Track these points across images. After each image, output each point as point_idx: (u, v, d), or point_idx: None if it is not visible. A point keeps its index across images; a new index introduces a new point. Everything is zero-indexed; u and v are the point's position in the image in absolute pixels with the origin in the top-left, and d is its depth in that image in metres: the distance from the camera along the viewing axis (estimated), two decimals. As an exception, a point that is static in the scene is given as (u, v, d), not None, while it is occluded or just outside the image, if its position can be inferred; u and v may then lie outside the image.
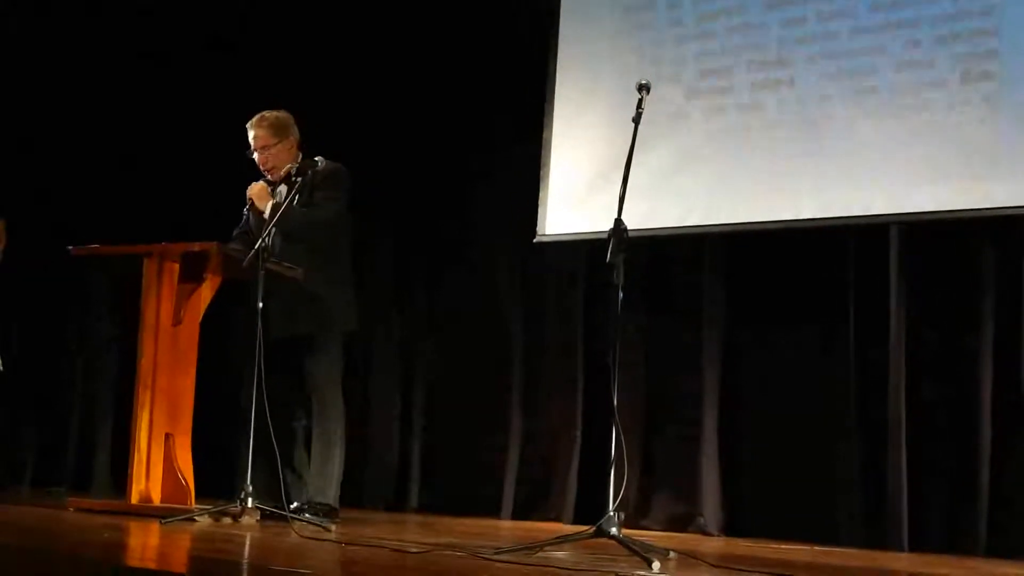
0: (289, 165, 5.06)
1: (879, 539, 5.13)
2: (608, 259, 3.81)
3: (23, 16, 7.34)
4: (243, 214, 5.21)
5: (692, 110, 5.76)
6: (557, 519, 5.89)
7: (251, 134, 5.10)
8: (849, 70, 5.40)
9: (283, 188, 5.06)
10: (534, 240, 6.06)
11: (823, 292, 5.48)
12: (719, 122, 5.70)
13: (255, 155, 5.09)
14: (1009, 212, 4.98)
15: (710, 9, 5.79)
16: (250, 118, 5.13)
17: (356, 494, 6.12)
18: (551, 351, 6.23)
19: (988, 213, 5.03)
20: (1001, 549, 4.92)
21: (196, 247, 4.80)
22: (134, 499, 4.79)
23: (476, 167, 6.42)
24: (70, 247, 5.00)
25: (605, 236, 3.84)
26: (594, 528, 3.72)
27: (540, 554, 3.69)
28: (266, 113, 5.12)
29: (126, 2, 7.20)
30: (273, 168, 5.09)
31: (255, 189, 5.08)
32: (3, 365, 6.15)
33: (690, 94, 5.78)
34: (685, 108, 5.77)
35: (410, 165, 6.55)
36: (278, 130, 5.09)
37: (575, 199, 5.95)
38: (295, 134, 5.14)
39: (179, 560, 3.56)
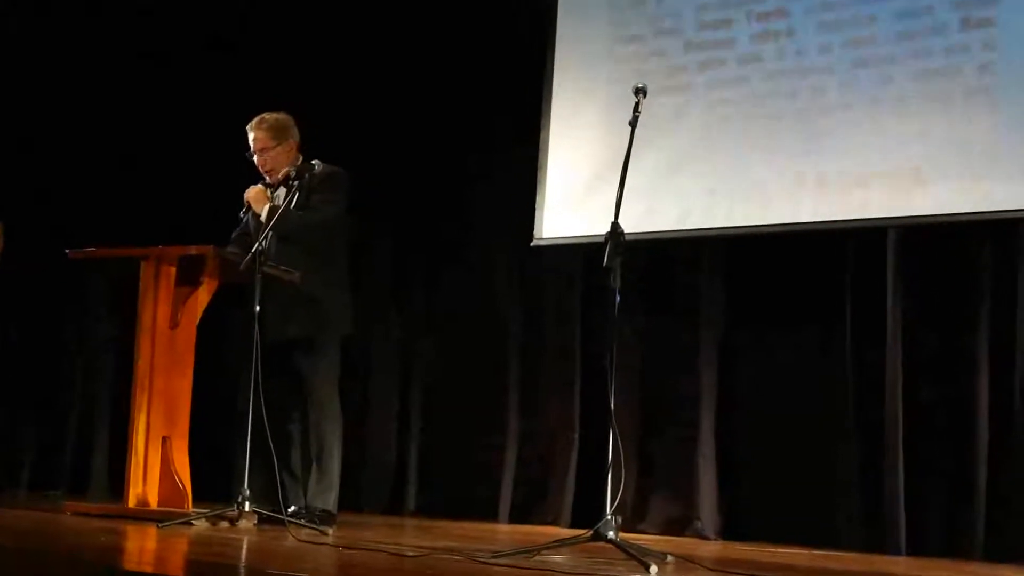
0: (287, 168, 5.05)
1: (876, 541, 5.12)
2: (605, 263, 3.80)
3: (23, 16, 7.33)
4: (239, 217, 5.19)
5: (690, 63, 5.75)
6: (554, 522, 5.88)
7: (251, 136, 5.08)
8: (848, 20, 5.40)
9: (282, 191, 5.04)
10: (531, 244, 6.05)
11: (820, 294, 5.47)
12: (718, 73, 5.67)
13: (254, 157, 5.08)
14: (1007, 216, 4.97)
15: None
16: (250, 119, 5.12)
17: (353, 497, 6.11)
18: (549, 352, 6.22)
19: (986, 216, 5.02)
20: (999, 550, 4.91)
21: (193, 251, 4.79)
22: (131, 503, 4.79)
23: (474, 168, 6.41)
24: (67, 250, 5.00)
25: (602, 240, 3.83)
26: (591, 532, 3.71)
27: (537, 558, 3.69)
28: (266, 115, 5.11)
29: (126, 2, 7.19)
30: (272, 170, 5.08)
31: (252, 192, 5.06)
32: None
33: (689, 47, 5.78)
34: (683, 61, 5.76)
35: (408, 166, 6.54)
36: (277, 133, 5.07)
37: (573, 202, 5.93)
38: (295, 136, 5.12)
39: (176, 564, 3.57)
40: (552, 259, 6.18)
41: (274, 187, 5.08)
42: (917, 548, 5.05)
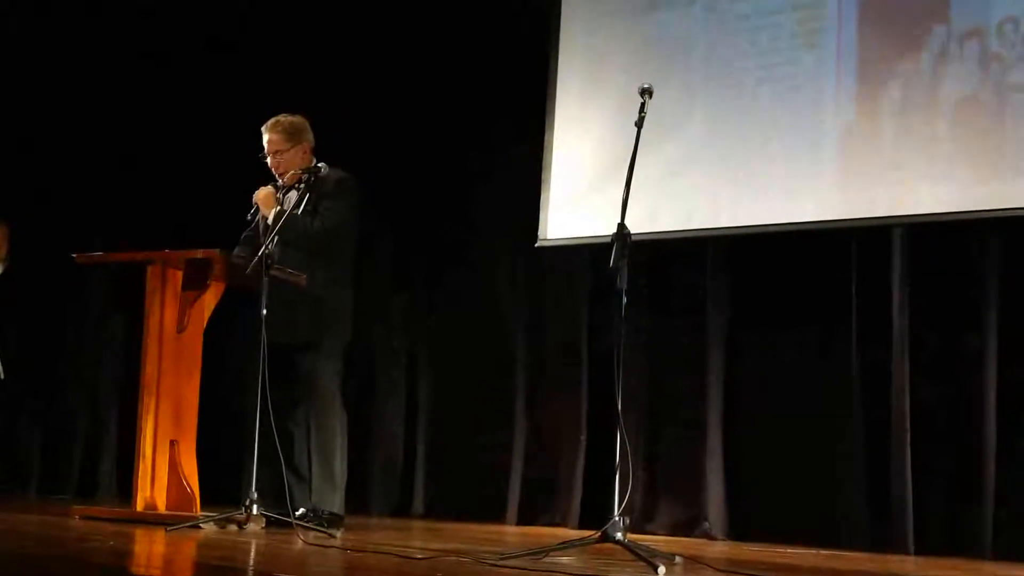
0: (297, 171, 5.01)
1: (884, 541, 5.12)
2: (611, 264, 3.80)
3: (23, 16, 7.33)
4: (247, 220, 5.18)
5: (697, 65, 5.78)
6: (562, 524, 5.88)
7: (265, 137, 5.06)
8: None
9: (293, 193, 5.02)
10: (536, 245, 6.04)
11: (826, 293, 5.46)
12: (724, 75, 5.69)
13: (267, 159, 5.07)
14: (1012, 213, 4.96)
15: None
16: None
17: (360, 500, 6.11)
18: (554, 353, 6.21)
19: (991, 215, 5.02)
20: (1006, 551, 4.90)
21: (200, 254, 4.78)
22: (139, 506, 4.79)
23: (477, 167, 6.39)
24: (74, 255, 4.99)
25: (608, 240, 3.82)
26: (600, 533, 3.71)
27: (546, 560, 3.68)
28: (281, 117, 5.08)
29: (126, 2, 7.19)
30: (284, 173, 5.06)
31: (261, 195, 5.03)
32: (3, 372, 6.12)
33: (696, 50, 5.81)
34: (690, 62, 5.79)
35: (411, 166, 6.53)
36: (291, 135, 5.05)
37: (577, 202, 5.92)
38: (310, 140, 5.10)
39: (184, 568, 3.57)
40: (556, 259, 6.17)
41: (285, 189, 5.06)
42: (924, 548, 5.03)
